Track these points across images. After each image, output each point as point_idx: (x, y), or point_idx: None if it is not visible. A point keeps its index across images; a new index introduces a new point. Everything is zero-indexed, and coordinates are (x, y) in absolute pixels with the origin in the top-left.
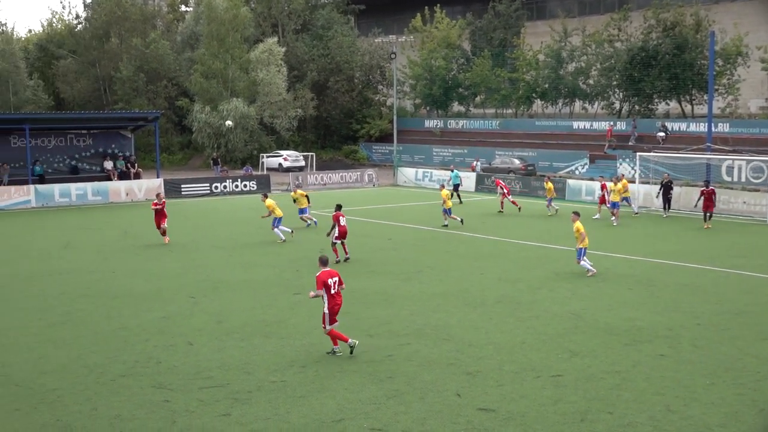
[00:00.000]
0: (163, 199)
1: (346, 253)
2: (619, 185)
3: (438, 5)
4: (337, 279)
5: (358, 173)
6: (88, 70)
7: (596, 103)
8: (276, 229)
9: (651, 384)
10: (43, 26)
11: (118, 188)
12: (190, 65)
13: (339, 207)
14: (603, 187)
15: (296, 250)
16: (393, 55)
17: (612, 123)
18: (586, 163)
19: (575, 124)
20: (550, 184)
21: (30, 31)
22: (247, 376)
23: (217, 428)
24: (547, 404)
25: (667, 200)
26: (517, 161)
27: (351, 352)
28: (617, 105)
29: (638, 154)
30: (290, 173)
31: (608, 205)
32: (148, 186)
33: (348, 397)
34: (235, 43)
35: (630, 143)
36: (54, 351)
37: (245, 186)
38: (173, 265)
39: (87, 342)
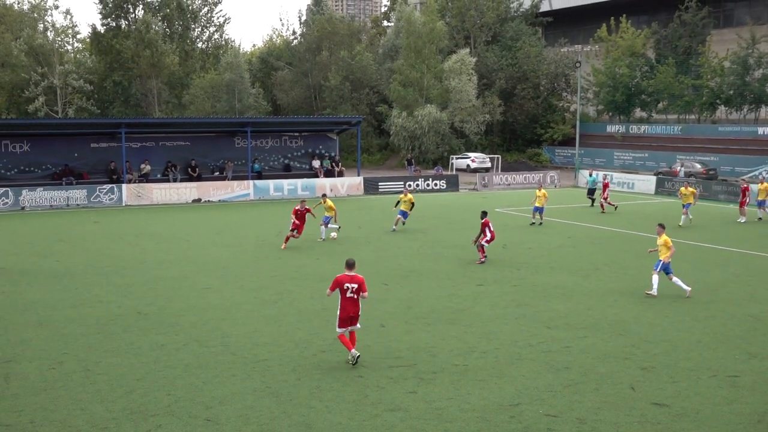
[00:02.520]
0: (307, 206)
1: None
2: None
3: (624, 15)
4: (357, 286)
5: (541, 175)
6: (302, 79)
7: None
8: (323, 226)
9: None
10: (264, 41)
11: (324, 184)
12: (389, 75)
13: (485, 214)
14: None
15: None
16: (578, 64)
17: None
18: None
19: (760, 130)
20: (688, 189)
21: (254, 45)
22: (433, 358)
23: (404, 404)
24: (722, 403)
25: None
26: (698, 165)
27: (353, 364)
28: None
29: None
30: (477, 174)
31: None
32: (350, 183)
33: (525, 383)
34: (430, 54)
35: None
36: (265, 326)
37: (435, 185)
38: (370, 254)
39: (294, 319)
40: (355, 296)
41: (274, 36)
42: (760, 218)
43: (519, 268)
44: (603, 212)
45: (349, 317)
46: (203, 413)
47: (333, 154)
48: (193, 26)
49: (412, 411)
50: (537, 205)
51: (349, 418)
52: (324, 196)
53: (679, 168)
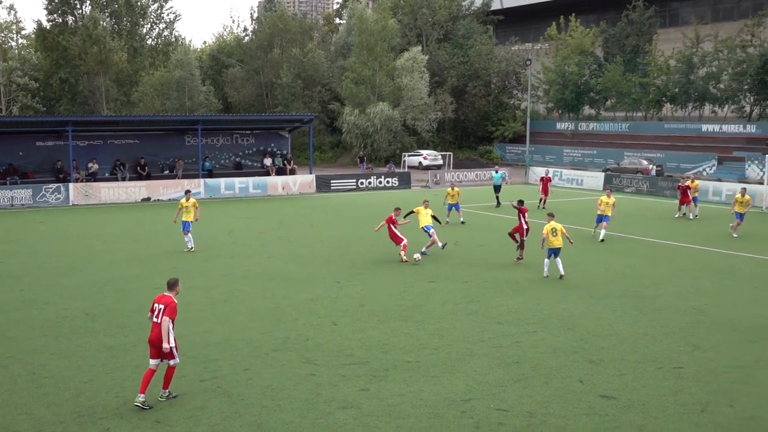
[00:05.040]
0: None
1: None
2: (748, 197)
3: (573, 14)
4: (163, 307)
5: (504, 170)
6: (253, 77)
7: (726, 107)
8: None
9: None
10: (215, 38)
11: (276, 183)
12: (341, 72)
13: (522, 202)
14: (682, 188)
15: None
16: (528, 62)
17: None
18: (713, 165)
19: (704, 127)
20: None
21: (204, 42)
22: (385, 355)
23: (356, 401)
24: (668, 394)
25: None
26: (645, 162)
27: (141, 407)
28: (747, 108)
29: (767, 156)
30: (429, 171)
31: (693, 204)
32: (302, 181)
33: (477, 378)
34: (382, 51)
35: None
36: (216, 326)
37: (387, 182)
38: (323, 251)
39: (245, 319)
40: (159, 320)
41: (225, 33)
42: (696, 215)
43: (471, 265)
44: (543, 208)
45: (151, 342)
46: (153, 415)
47: (285, 152)
48: (142, 23)
49: (365, 408)
50: (450, 202)
51: (301, 417)
52: (188, 192)
53: (650, 167)
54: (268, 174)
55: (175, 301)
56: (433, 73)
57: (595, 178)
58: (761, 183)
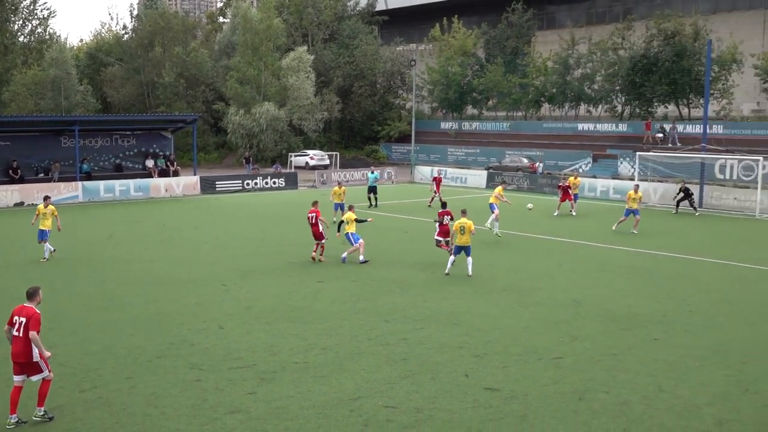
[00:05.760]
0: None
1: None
2: (640, 193)
3: (455, 16)
4: (25, 320)
5: (378, 171)
6: (134, 76)
7: (600, 107)
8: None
9: (645, 366)
10: (92, 36)
11: (158, 185)
12: (226, 72)
13: (444, 205)
14: (563, 187)
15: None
16: (413, 62)
17: (649, 119)
18: (589, 162)
19: (580, 126)
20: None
21: (81, 40)
22: (273, 357)
23: (244, 405)
24: (548, 384)
25: (689, 200)
26: (525, 160)
27: (14, 427)
28: (619, 108)
29: (638, 153)
30: (316, 171)
31: (573, 201)
32: (186, 182)
33: (365, 377)
34: (267, 51)
35: (669, 144)
36: (96, 334)
37: (274, 183)
38: (207, 255)
39: (127, 326)
40: (21, 334)
41: (104, 31)
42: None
43: (358, 264)
44: (429, 206)
45: (14, 359)
46: (29, 429)
47: (168, 153)
48: (13, 19)
49: (253, 412)
50: (336, 201)
51: (187, 424)
52: (47, 198)
53: (537, 164)
54: (150, 176)
55: (38, 312)
56: (319, 73)
57: (478, 177)
58: (632, 179)
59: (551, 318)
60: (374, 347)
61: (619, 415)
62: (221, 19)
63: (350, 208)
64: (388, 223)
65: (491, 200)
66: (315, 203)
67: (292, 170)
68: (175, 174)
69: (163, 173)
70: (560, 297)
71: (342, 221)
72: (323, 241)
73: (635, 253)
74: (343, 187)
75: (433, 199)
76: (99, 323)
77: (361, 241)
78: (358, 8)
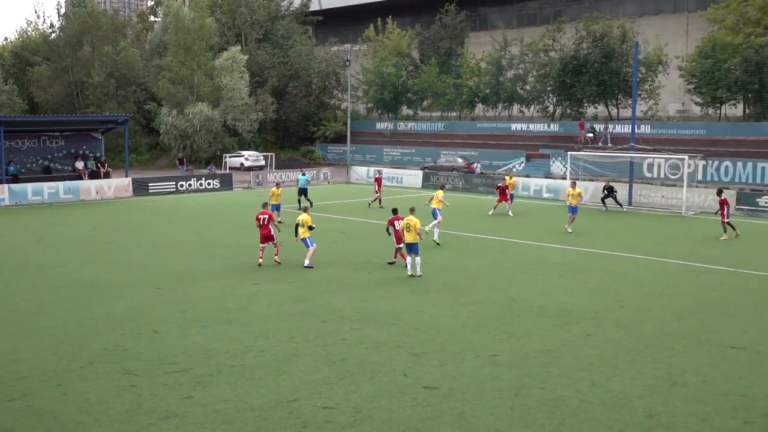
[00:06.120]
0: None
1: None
2: (577, 190)
3: (390, 17)
4: None
5: (314, 171)
6: (62, 76)
7: (532, 107)
8: None
9: (578, 361)
10: (18, 34)
11: (89, 187)
12: (158, 72)
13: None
14: (501, 188)
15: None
16: (347, 63)
17: (582, 118)
18: (522, 162)
19: (513, 126)
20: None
21: (6, 39)
22: (209, 360)
23: (180, 410)
24: (485, 381)
25: (611, 199)
26: (460, 160)
27: None
28: (551, 108)
29: (569, 153)
30: (251, 172)
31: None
32: (117, 184)
33: (303, 378)
34: (200, 51)
35: (601, 144)
36: (25, 341)
37: (209, 184)
38: (140, 257)
39: (57, 332)
40: None
41: (30, 29)
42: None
43: (295, 265)
44: (381, 207)
45: None
46: None
47: (98, 155)
48: None
49: (189, 416)
50: (274, 203)
51: (120, 431)
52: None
53: (476, 165)
54: (80, 178)
55: None
56: (254, 73)
57: (414, 177)
58: (564, 178)
59: (487, 316)
60: (312, 348)
61: (554, 410)
62: (152, 18)
63: (305, 210)
64: (325, 223)
65: (435, 205)
66: (265, 204)
67: (227, 171)
68: (106, 176)
69: (94, 175)
70: (496, 295)
71: (297, 224)
72: (275, 242)
73: (568, 251)
74: (281, 188)
75: (375, 199)
76: (28, 329)
77: (315, 246)
78: (292, 8)
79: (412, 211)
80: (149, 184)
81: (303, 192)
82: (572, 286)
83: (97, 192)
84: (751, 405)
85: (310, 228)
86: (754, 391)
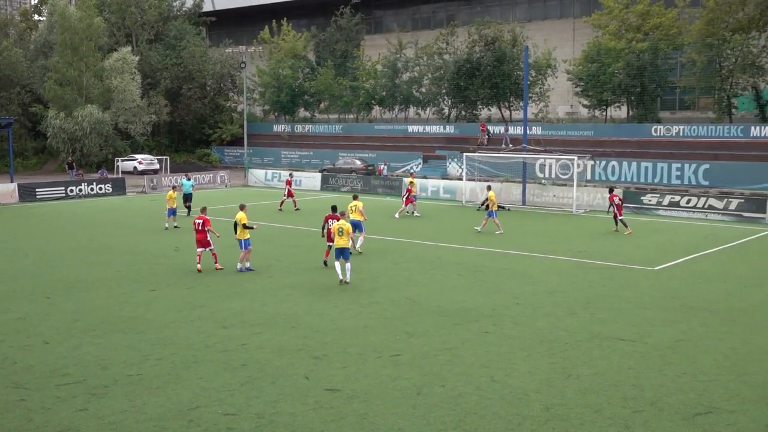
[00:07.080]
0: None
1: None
2: (491, 193)
3: (285, 19)
4: None
5: (211, 175)
6: None
7: (428, 109)
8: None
9: (478, 358)
10: None
11: None
12: (44, 73)
13: (334, 208)
14: (408, 190)
15: (155, 247)
16: (243, 65)
17: (484, 120)
18: (419, 163)
19: (410, 128)
20: (410, 185)
21: None
22: (104, 371)
23: (74, 423)
24: (387, 381)
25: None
26: (358, 162)
27: None
28: (446, 110)
29: (464, 154)
30: (145, 176)
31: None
32: (2, 190)
33: (203, 385)
34: (89, 51)
35: (503, 146)
36: None
37: (100, 189)
38: (29, 266)
39: None
40: None
41: None
42: (405, 210)
43: (192, 270)
44: (297, 209)
45: None
46: None
47: None
48: None
49: (83, 430)
50: (171, 207)
51: None
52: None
53: (382, 166)
54: None
55: None
56: (146, 75)
57: (312, 179)
58: (461, 179)
59: (388, 316)
60: (212, 354)
61: (455, 407)
62: (36, 17)
63: (241, 207)
64: (224, 227)
65: (355, 216)
66: (204, 209)
67: (120, 175)
68: None
69: None
70: (396, 296)
71: (235, 223)
72: (212, 248)
73: (465, 251)
74: (177, 192)
75: (282, 202)
76: None
77: (250, 248)
78: (184, 9)
79: (342, 215)
80: (36, 190)
81: (188, 197)
82: (470, 285)
83: None
84: (640, 395)
85: (245, 227)
86: (642, 381)
